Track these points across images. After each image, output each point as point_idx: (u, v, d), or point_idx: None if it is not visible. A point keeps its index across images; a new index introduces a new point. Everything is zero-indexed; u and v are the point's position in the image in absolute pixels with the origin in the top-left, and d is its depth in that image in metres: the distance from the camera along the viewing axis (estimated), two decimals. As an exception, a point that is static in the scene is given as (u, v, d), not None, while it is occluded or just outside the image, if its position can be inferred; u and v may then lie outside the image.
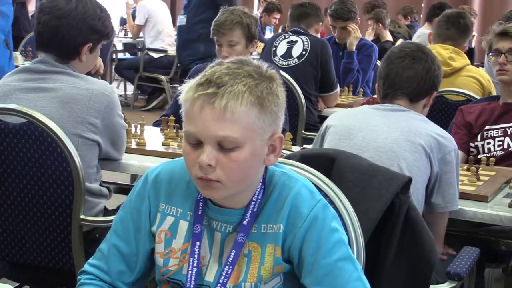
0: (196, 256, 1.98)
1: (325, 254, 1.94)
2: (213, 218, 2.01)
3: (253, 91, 1.86)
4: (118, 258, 2.08)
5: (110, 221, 3.33)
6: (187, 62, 6.50)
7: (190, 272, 1.98)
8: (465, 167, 3.58)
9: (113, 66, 11.30)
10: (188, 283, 1.97)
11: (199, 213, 2.01)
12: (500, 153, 3.95)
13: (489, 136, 4.02)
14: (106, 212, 3.53)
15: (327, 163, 2.42)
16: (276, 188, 2.01)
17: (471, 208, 3.15)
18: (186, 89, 1.90)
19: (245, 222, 1.97)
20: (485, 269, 3.77)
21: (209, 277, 2.00)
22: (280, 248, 1.97)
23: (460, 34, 5.31)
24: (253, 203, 1.98)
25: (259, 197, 1.99)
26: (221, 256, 2.00)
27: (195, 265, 1.98)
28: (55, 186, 3.16)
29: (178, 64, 6.88)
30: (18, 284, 3.20)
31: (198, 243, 1.99)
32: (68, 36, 3.39)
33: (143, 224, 2.07)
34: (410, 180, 2.43)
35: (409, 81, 3.13)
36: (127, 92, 11.68)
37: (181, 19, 6.45)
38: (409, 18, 10.31)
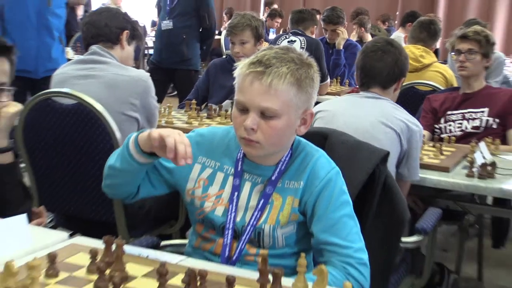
0: (234, 203, 2.04)
1: (333, 209, 1.99)
2: (247, 172, 2.07)
3: (294, 74, 1.93)
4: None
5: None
6: (170, 62, 6.33)
7: (230, 215, 2.03)
8: (431, 144, 3.61)
9: (146, 60, 11.27)
10: (228, 224, 2.02)
11: (239, 169, 2.06)
12: (459, 133, 3.98)
13: (450, 119, 4.05)
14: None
15: (321, 139, 2.42)
16: (301, 154, 2.07)
17: (436, 177, 3.18)
18: (240, 66, 1.97)
19: (273, 178, 2.03)
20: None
21: (237, 218, 2.04)
22: (298, 200, 2.01)
23: (430, 37, 5.36)
24: (281, 163, 2.04)
25: (287, 159, 2.05)
26: (248, 202, 2.04)
27: (233, 210, 2.03)
28: (100, 154, 3.16)
29: (153, 61, 6.42)
30: (72, 232, 3.19)
31: (236, 193, 2.05)
32: (109, 23, 3.49)
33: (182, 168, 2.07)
34: (388, 153, 2.43)
35: (380, 70, 3.13)
36: (156, 80, 11.65)
37: (167, 24, 6.20)
38: (387, 23, 10.33)
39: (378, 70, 3.13)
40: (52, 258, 1.70)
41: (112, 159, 2.05)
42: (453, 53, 4.15)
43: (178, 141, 1.85)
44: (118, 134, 3.14)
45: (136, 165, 1.98)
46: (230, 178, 2.07)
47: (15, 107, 2.44)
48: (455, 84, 4.91)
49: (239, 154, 2.07)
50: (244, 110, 1.95)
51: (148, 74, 3.58)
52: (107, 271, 1.66)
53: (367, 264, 1.99)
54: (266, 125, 1.93)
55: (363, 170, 2.36)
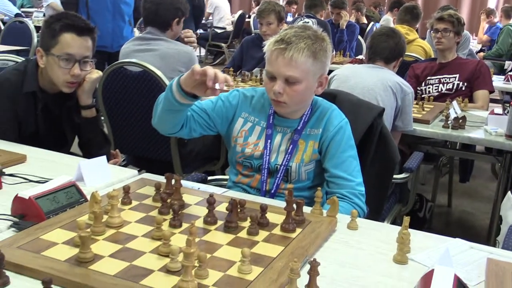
0: (268, 148, 2.02)
1: (342, 150, 1.98)
2: (277, 125, 2.04)
3: (310, 48, 1.89)
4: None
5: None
6: None
7: (265, 157, 2.01)
8: (414, 102, 3.53)
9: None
10: (264, 164, 2.01)
11: (270, 122, 2.04)
12: (436, 94, 3.93)
13: (429, 83, 3.99)
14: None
15: (331, 98, 2.36)
16: (319, 109, 2.04)
17: (418, 128, 3.14)
18: (268, 44, 1.94)
19: (299, 128, 2.01)
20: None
21: (271, 159, 2.02)
22: (317, 143, 2.00)
23: (413, 18, 5.30)
24: (305, 116, 2.02)
25: (308, 113, 2.03)
26: (279, 147, 2.02)
27: (268, 153, 2.02)
28: None
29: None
30: (138, 169, 3.20)
31: (269, 141, 2.03)
32: (164, 15, 3.40)
33: (225, 110, 2.06)
34: (383, 110, 2.38)
35: (384, 49, 3.14)
36: (201, 54, 11.59)
37: None
38: (378, 8, 10.13)
39: (382, 49, 3.14)
40: (126, 189, 1.68)
41: (159, 100, 1.98)
42: (432, 31, 4.07)
43: (218, 71, 1.74)
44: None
45: (177, 105, 1.86)
46: (265, 131, 2.04)
47: (97, 73, 2.43)
48: (433, 56, 4.84)
49: (270, 110, 2.04)
50: (272, 78, 1.92)
51: (192, 48, 3.56)
52: (168, 200, 1.64)
53: (365, 195, 1.99)
54: (290, 89, 1.90)
55: (364, 122, 2.32)
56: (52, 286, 1.15)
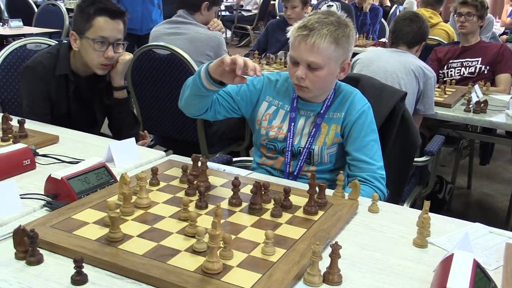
0: (292, 131, 2.01)
1: (365, 134, 1.96)
2: (301, 108, 2.03)
3: (332, 34, 1.86)
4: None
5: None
6: None
7: (289, 140, 2.01)
8: (436, 86, 3.47)
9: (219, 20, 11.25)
10: (288, 147, 2.01)
11: (294, 105, 2.02)
12: (458, 77, 3.86)
13: (451, 67, 3.93)
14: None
15: (354, 82, 2.34)
16: (342, 93, 2.02)
17: (440, 112, 3.11)
18: (292, 29, 1.92)
19: (322, 111, 1.99)
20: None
21: (294, 142, 2.01)
22: (340, 126, 1.98)
23: (437, 2, 5.21)
24: (327, 100, 2.00)
25: (331, 97, 2.00)
26: (302, 130, 2.01)
27: (291, 136, 2.01)
28: None
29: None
30: (165, 149, 3.22)
31: (293, 124, 2.02)
32: None
33: (249, 93, 2.06)
34: (405, 94, 2.35)
35: (407, 34, 3.09)
36: (227, 36, 11.56)
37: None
38: (401, -9, 9.97)
39: (405, 33, 3.08)
40: (154, 171, 1.68)
41: (186, 84, 1.98)
42: (455, 15, 3.99)
43: (247, 60, 1.70)
44: (199, 77, 3.13)
45: (205, 91, 1.84)
46: (289, 114, 2.03)
47: (128, 56, 2.45)
48: (456, 39, 4.75)
49: (294, 94, 2.02)
50: (295, 63, 1.90)
51: (221, 33, 3.54)
52: (195, 182, 1.65)
53: (385, 179, 1.97)
54: (312, 74, 1.88)
55: (386, 106, 2.29)
56: (83, 264, 1.17)
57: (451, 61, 3.92)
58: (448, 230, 1.52)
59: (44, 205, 1.54)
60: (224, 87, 1.86)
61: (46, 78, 2.37)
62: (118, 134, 2.53)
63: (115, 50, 2.36)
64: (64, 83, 2.41)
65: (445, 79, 3.80)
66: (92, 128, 2.54)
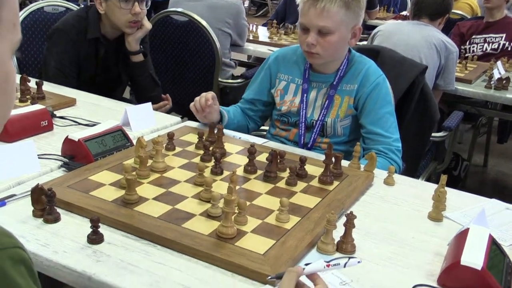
0: (305, 102, 2.00)
1: (379, 106, 1.94)
2: (313, 80, 2.01)
3: None
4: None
5: (236, 82, 3.34)
6: None
7: (302, 112, 2.00)
8: (458, 61, 3.43)
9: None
10: (301, 118, 2.00)
11: (306, 77, 2.00)
12: (480, 53, 3.80)
13: (474, 42, 3.86)
14: (233, 77, 3.53)
15: (374, 54, 2.33)
16: (356, 63, 1.99)
17: (460, 87, 3.07)
18: None
19: (334, 83, 1.97)
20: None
21: (307, 114, 2.01)
22: (353, 98, 1.96)
23: None
24: (340, 71, 1.97)
25: (344, 67, 1.97)
26: (315, 102, 2.00)
27: (304, 108, 2.00)
28: (203, 58, 3.17)
29: None
30: (181, 116, 3.23)
31: (305, 95, 2.00)
32: None
33: (265, 84, 2.10)
34: (426, 67, 2.33)
35: (430, 5, 3.03)
36: (245, 5, 11.48)
37: None
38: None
39: (428, 5, 3.02)
40: (170, 136, 1.70)
41: None
42: (481, -11, 3.91)
43: (196, 102, 1.90)
44: (218, 44, 3.12)
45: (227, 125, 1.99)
46: (300, 87, 2.01)
47: (149, 25, 2.50)
48: (480, 14, 4.66)
49: (306, 65, 2.00)
50: (305, 29, 1.87)
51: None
52: (210, 148, 1.66)
53: (401, 151, 1.95)
54: (323, 40, 1.85)
55: (406, 79, 2.28)
56: (99, 224, 1.19)
57: (474, 36, 3.86)
58: (464, 205, 1.52)
59: (61, 166, 1.56)
60: (224, 119, 1.98)
61: (78, 41, 2.41)
62: (138, 97, 2.60)
63: (141, 6, 2.39)
64: (94, 46, 2.45)
65: (466, 55, 3.75)
66: (115, 90, 2.59)
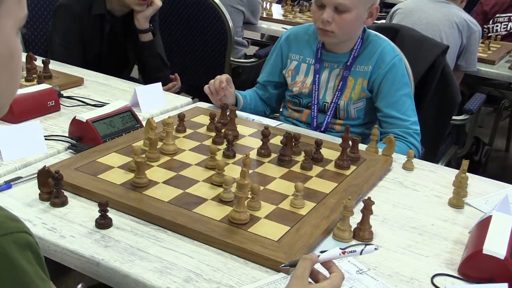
0: (317, 83, 1.97)
1: (396, 89, 1.91)
2: (325, 60, 1.98)
3: None
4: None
5: (248, 62, 3.32)
6: None
7: (314, 93, 1.97)
8: (480, 41, 3.38)
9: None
10: (313, 100, 1.98)
11: (318, 56, 1.98)
12: (504, 33, 3.75)
13: (497, 21, 3.80)
14: (246, 56, 3.50)
15: (393, 33, 2.30)
16: (370, 43, 1.95)
17: (483, 68, 3.04)
18: None
19: (348, 63, 1.94)
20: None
21: (319, 96, 1.99)
22: (367, 81, 1.93)
23: None
24: (354, 51, 1.94)
25: (358, 47, 1.94)
26: (327, 83, 1.97)
27: (316, 89, 1.97)
28: (215, 36, 3.15)
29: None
30: (192, 97, 3.22)
31: (317, 75, 1.98)
32: None
33: (277, 65, 2.08)
34: (447, 47, 2.30)
35: None
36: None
37: None
38: None
39: None
40: (181, 117, 1.69)
41: None
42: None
43: (210, 84, 1.90)
44: (230, 22, 3.10)
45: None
46: (312, 67, 1.99)
47: (159, 2, 2.47)
48: (505, -9, 4.57)
49: (318, 44, 1.98)
50: (321, 6, 1.85)
51: None
52: (223, 130, 1.64)
53: (420, 134, 1.93)
54: (339, 17, 1.83)
55: (426, 59, 2.25)
56: (108, 208, 1.19)
57: (498, 15, 3.80)
58: (486, 191, 1.50)
59: (68, 148, 1.56)
60: (239, 100, 1.99)
61: (82, 17, 2.39)
62: (147, 77, 2.58)
63: None
64: (99, 22, 2.43)
65: (489, 34, 3.70)
66: (123, 70, 2.58)
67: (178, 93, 2.61)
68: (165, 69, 2.62)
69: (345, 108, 1.94)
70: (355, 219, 1.24)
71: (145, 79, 2.61)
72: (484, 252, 1.09)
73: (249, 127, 1.77)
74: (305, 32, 2.03)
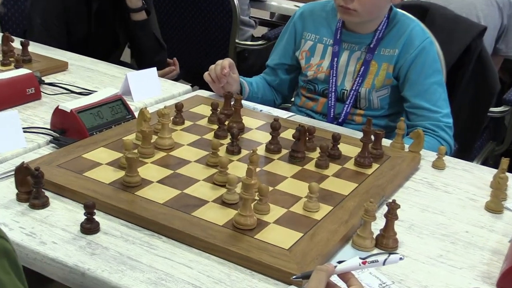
0: (335, 68, 1.97)
1: (426, 76, 1.90)
2: (345, 41, 1.98)
3: None
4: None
5: (255, 45, 3.32)
6: None
7: (332, 79, 1.97)
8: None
9: None
10: (330, 87, 1.96)
11: (338, 37, 1.97)
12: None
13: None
14: (253, 38, 3.51)
15: (422, 12, 2.29)
16: (398, 23, 1.95)
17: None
18: None
19: (372, 45, 1.93)
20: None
21: (338, 82, 1.98)
22: (392, 66, 1.92)
23: None
24: (378, 31, 1.93)
25: (383, 28, 1.94)
26: (346, 68, 1.97)
27: (334, 74, 1.97)
28: (219, 17, 3.15)
29: None
30: (191, 84, 3.22)
31: (336, 59, 1.97)
32: None
33: (290, 45, 2.08)
34: (485, 29, 2.29)
35: None
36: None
37: None
38: None
39: None
40: (179, 107, 1.68)
41: None
42: None
43: (211, 71, 1.90)
44: (236, 1, 3.11)
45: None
46: (329, 48, 1.98)
47: None
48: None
49: (338, 24, 1.97)
50: None
51: None
52: (226, 122, 1.65)
53: (452, 128, 1.92)
54: None
55: (460, 42, 2.25)
56: (95, 211, 1.19)
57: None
58: (528, 194, 1.50)
59: (50, 141, 1.56)
60: (243, 88, 1.99)
61: None
62: (141, 61, 2.57)
63: None
64: (85, 0, 2.42)
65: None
66: (112, 53, 2.58)
67: (176, 80, 2.61)
68: (161, 52, 2.62)
69: (366, 97, 1.94)
70: (378, 225, 1.23)
71: (139, 64, 2.61)
72: (527, 263, 1.09)
73: (256, 119, 1.77)
74: (322, 9, 2.03)
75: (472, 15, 2.72)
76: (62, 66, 2.11)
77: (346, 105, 1.95)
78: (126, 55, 2.75)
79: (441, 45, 2.07)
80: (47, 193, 1.29)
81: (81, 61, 2.21)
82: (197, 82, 3.41)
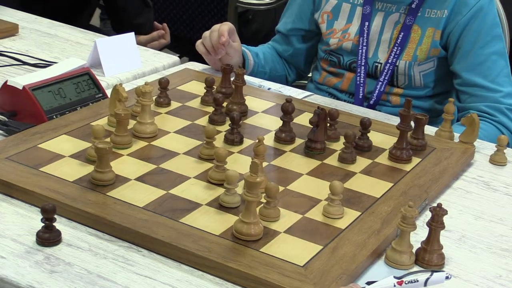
0: (365, 34, 1.98)
1: (483, 44, 1.91)
2: (378, 0, 1.98)
3: None
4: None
5: (262, 4, 3.32)
6: None
7: (361, 50, 1.98)
8: None
9: None
10: (360, 60, 1.98)
11: None
12: None
13: None
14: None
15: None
16: None
17: None
18: None
19: (414, 5, 1.94)
20: None
21: (369, 54, 1.99)
22: (440, 32, 1.93)
23: None
24: None
25: None
26: (380, 35, 1.99)
27: (365, 43, 1.98)
28: None
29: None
30: (178, 55, 3.23)
31: (367, 23, 1.98)
32: None
33: (308, 5, 2.09)
34: None
35: None
36: None
37: None
38: None
39: None
40: (163, 84, 1.69)
41: None
42: None
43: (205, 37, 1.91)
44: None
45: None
46: (359, 9, 2.00)
47: None
48: None
49: None
50: None
51: None
52: (225, 104, 1.65)
53: None
54: None
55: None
56: (55, 217, 1.19)
57: None
58: None
59: (-3, 127, 1.57)
60: (244, 63, 2.01)
61: None
62: (118, 23, 2.57)
63: None
64: None
65: None
66: (79, 14, 2.57)
67: (161, 49, 2.61)
68: (146, 11, 2.62)
69: (406, 72, 1.96)
70: (419, 235, 1.24)
71: (117, 27, 2.61)
72: None
73: (263, 99, 1.78)
74: None
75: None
76: (11, 30, 2.12)
77: (380, 83, 1.97)
78: (95, 17, 2.75)
79: (504, 5, 2.08)
80: (-6, 193, 1.30)
81: (36, 24, 2.22)
82: (187, 52, 3.42)
